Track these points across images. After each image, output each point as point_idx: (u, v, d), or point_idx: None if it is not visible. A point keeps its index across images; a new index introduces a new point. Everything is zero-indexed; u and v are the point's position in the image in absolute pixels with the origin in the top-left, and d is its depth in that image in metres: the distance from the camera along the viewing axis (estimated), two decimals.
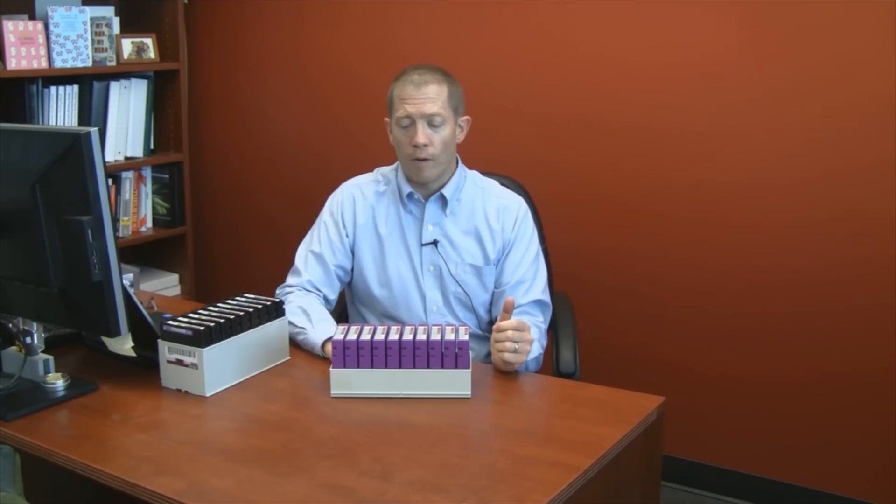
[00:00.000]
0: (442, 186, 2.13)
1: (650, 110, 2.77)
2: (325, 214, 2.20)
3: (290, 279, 2.16)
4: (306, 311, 2.02)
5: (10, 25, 2.99)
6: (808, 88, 2.54)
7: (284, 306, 1.94)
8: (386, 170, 2.22)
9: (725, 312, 2.76)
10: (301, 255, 2.18)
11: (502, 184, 2.25)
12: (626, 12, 2.75)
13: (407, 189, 2.13)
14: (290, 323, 1.98)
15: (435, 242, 2.13)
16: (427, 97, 2.03)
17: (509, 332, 1.81)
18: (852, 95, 2.49)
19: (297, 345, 1.99)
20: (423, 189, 2.14)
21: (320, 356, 1.94)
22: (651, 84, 2.75)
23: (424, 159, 2.05)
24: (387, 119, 2.14)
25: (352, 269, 2.18)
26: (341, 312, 2.31)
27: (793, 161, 2.60)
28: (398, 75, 2.10)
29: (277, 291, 2.16)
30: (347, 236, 2.16)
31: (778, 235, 2.65)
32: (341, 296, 2.26)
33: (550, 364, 2.18)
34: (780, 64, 2.57)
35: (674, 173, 2.77)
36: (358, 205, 2.18)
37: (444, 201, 2.14)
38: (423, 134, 2.03)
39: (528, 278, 2.13)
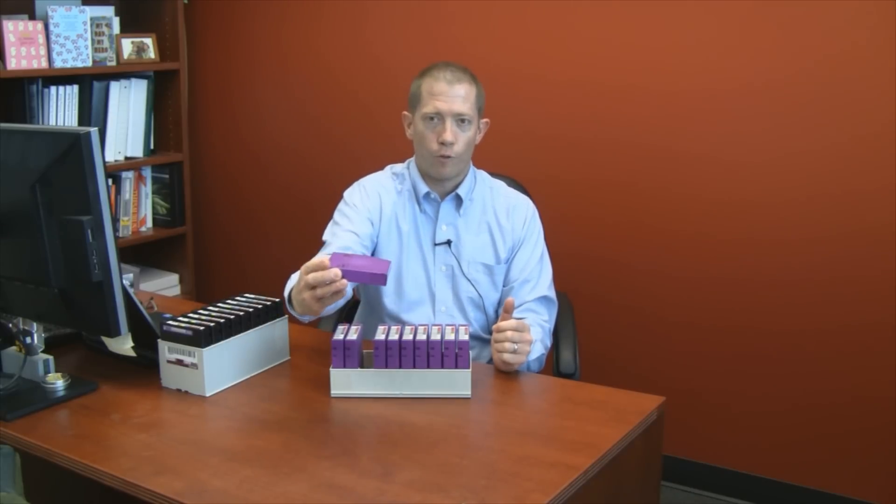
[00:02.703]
0: (457, 186, 2.13)
1: (651, 127, 2.78)
2: (349, 204, 2.13)
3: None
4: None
5: (10, 25, 2.99)
6: (809, 109, 2.55)
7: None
8: (399, 168, 2.20)
9: (725, 321, 2.76)
10: (329, 233, 2.09)
11: (509, 185, 2.26)
12: (628, 31, 2.75)
13: (423, 189, 2.12)
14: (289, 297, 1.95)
15: (448, 242, 2.13)
16: (458, 95, 2.03)
17: (508, 333, 1.80)
18: (854, 117, 2.49)
19: (298, 317, 1.95)
20: (439, 188, 2.13)
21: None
22: (652, 102, 2.76)
23: (448, 156, 2.05)
24: (406, 113, 2.13)
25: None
26: (349, 311, 2.30)
27: (792, 179, 2.60)
28: (426, 70, 2.09)
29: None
30: (374, 224, 2.13)
31: (775, 252, 2.66)
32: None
33: (550, 364, 2.18)
34: (783, 84, 2.57)
35: (674, 189, 2.78)
36: (383, 199, 2.15)
37: (458, 201, 2.14)
38: (451, 132, 2.02)
39: (534, 276, 2.14)
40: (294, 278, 1.95)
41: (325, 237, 2.11)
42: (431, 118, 2.04)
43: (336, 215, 2.15)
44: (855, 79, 2.48)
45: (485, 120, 2.14)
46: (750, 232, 2.68)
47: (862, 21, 2.44)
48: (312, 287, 1.64)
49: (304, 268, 1.66)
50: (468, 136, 2.06)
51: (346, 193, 2.18)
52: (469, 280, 2.12)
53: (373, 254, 2.13)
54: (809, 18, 2.50)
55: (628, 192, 2.85)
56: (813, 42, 2.51)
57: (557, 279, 2.20)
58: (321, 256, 1.68)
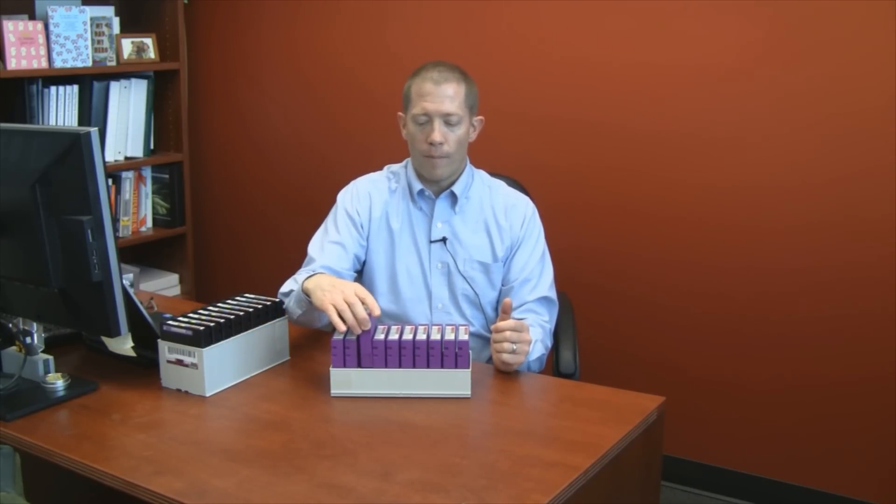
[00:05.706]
0: (452, 184, 2.14)
1: (650, 114, 2.77)
2: (339, 208, 2.18)
3: (300, 270, 2.11)
4: (295, 278, 2.02)
5: (10, 25, 2.99)
6: (808, 93, 2.54)
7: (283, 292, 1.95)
8: (396, 167, 2.22)
9: (726, 315, 2.75)
10: (315, 246, 2.13)
11: (508, 185, 2.25)
12: (626, 17, 2.75)
13: (417, 186, 2.13)
14: (284, 296, 1.99)
15: (444, 239, 2.13)
16: (445, 95, 2.03)
17: (507, 333, 1.81)
18: (853, 101, 2.49)
19: (301, 323, 2.00)
20: (433, 186, 2.14)
21: (325, 325, 1.93)
22: (651, 89, 2.75)
23: (439, 157, 2.05)
24: (401, 114, 2.14)
25: (363, 263, 2.18)
26: None
27: (793, 165, 2.60)
28: (416, 71, 2.10)
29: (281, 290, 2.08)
30: (363, 227, 2.15)
31: (777, 239, 2.65)
32: None
33: (550, 364, 2.18)
34: (782, 69, 2.57)
35: (674, 177, 2.77)
36: (374, 199, 2.17)
37: (453, 198, 2.14)
38: (439, 132, 2.03)
39: (535, 276, 2.14)
40: (290, 283, 2.02)
41: (311, 249, 2.13)
42: (420, 119, 2.05)
43: (328, 221, 2.18)
44: (854, 61, 2.46)
45: (479, 118, 2.14)
46: (751, 219, 2.67)
47: (858, 3, 2.43)
48: (353, 300, 1.74)
49: (363, 289, 1.79)
50: (458, 135, 2.06)
51: (339, 196, 2.21)
52: (465, 277, 2.13)
53: (365, 254, 2.16)
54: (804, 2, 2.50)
55: (626, 182, 2.84)
56: (812, 22, 2.50)
57: (556, 273, 2.20)
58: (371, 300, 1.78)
